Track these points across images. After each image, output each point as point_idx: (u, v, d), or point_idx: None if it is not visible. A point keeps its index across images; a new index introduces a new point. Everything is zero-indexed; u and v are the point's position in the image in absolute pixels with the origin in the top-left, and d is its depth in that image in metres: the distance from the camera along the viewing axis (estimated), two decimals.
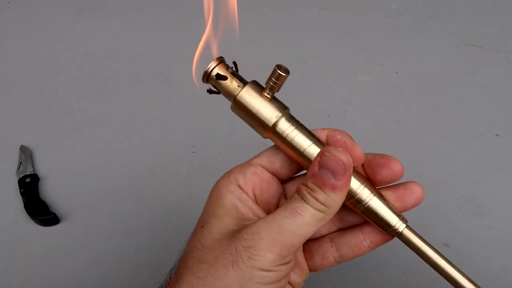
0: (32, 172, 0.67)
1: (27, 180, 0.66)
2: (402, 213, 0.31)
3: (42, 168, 0.69)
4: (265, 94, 0.30)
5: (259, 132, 0.31)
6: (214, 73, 0.30)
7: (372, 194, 0.30)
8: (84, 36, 0.98)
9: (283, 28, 0.97)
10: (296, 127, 0.30)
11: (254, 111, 0.30)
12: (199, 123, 0.76)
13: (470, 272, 0.54)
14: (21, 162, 0.69)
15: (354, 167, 0.29)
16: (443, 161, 0.68)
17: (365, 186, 0.30)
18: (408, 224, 0.31)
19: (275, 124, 0.30)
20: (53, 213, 0.61)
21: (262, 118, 0.30)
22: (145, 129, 0.75)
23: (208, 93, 0.31)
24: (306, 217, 0.28)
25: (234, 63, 0.31)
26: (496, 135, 0.71)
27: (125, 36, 0.97)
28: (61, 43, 0.96)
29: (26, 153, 0.70)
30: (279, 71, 0.29)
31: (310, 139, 0.30)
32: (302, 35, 0.96)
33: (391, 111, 0.77)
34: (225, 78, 0.30)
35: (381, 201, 0.30)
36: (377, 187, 0.32)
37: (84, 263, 0.58)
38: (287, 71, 0.29)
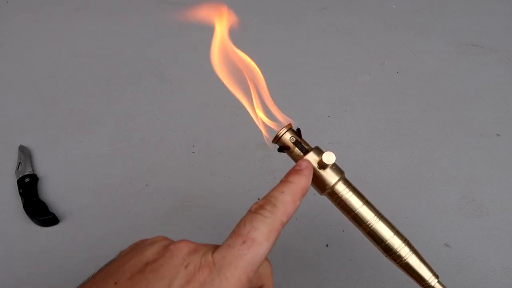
0: (31, 172, 0.67)
1: (26, 180, 0.66)
2: (434, 270, 0.34)
3: (41, 168, 0.69)
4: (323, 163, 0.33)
5: (316, 190, 0.35)
6: (279, 143, 0.34)
7: (410, 252, 0.34)
8: (84, 36, 0.98)
9: (283, 28, 0.97)
10: (350, 190, 0.34)
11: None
12: (199, 123, 0.76)
13: (470, 272, 0.55)
14: (20, 162, 0.69)
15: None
16: (443, 161, 0.68)
17: (405, 245, 0.34)
18: (439, 279, 0.35)
19: (329, 188, 0.33)
20: (52, 213, 0.61)
21: (318, 184, 0.34)
22: (145, 129, 0.75)
23: (279, 151, 0.35)
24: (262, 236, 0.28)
25: (298, 129, 0.34)
26: (497, 135, 0.71)
27: (125, 36, 0.97)
28: (61, 43, 0.96)
29: (25, 153, 0.70)
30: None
31: (362, 201, 0.34)
32: (302, 35, 0.96)
33: (391, 111, 0.76)
34: (287, 148, 0.34)
35: (418, 258, 0.34)
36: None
37: (83, 263, 0.58)
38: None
